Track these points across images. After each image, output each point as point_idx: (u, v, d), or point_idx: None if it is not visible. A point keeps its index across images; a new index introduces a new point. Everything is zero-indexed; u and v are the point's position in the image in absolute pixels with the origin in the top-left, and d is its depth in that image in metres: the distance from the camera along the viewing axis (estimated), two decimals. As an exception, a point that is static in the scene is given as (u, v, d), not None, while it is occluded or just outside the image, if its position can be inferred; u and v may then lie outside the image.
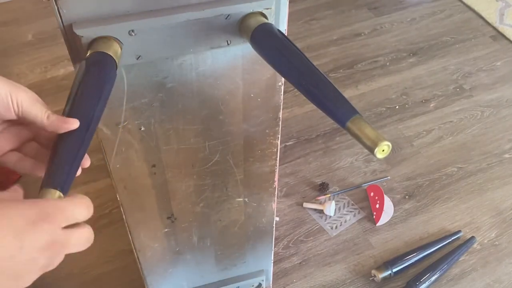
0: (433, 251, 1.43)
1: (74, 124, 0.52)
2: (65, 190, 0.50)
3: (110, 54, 0.59)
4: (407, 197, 1.58)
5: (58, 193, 0.49)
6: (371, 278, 1.39)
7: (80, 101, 0.55)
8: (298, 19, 2.23)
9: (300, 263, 1.43)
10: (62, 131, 0.52)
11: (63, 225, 0.44)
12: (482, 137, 1.75)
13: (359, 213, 1.54)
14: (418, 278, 1.35)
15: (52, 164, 0.51)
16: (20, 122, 0.55)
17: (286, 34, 0.65)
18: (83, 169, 0.55)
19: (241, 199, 0.97)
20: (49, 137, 0.55)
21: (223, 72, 0.74)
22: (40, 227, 0.41)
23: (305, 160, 1.68)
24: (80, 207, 0.45)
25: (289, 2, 0.68)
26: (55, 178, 0.50)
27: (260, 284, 1.23)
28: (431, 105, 1.86)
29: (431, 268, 1.37)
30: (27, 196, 0.45)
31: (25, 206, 0.41)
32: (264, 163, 0.91)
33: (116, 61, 0.60)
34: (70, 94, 0.56)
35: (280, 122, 0.85)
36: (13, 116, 0.52)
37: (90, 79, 0.56)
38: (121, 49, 0.62)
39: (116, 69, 0.60)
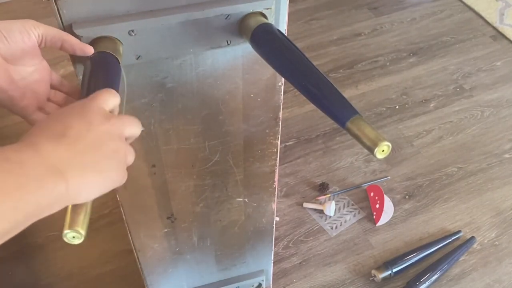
0: (433, 251, 1.43)
1: (91, 50, 0.58)
2: None
3: (112, 53, 0.59)
4: (407, 197, 1.58)
5: None
6: (371, 278, 1.39)
7: None
8: (298, 19, 2.23)
9: (300, 263, 1.43)
10: (80, 52, 0.57)
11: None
12: (482, 137, 1.75)
13: (359, 213, 1.54)
14: (418, 278, 1.35)
15: None
16: (40, 79, 0.58)
17: (286, 34, 0.65)
18: None
19: (241, 199, 0.97)
20: (66, 98, 0.62)
21: (223, 72, 0.74)
22: (103, 121, 0.46)
23: (305, 160, 1.68)
24: (131, 122, 0.51)
25: (289, 2, 0.68)
26: None
27: (260, 284, 1.23)
28: (431, 105, 1.86)
29: (431, 268, 1.37)
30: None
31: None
32: (264, 163, 0.91)
33: (119, 60, 0.60)
34: (80, 96, 0.56)
35: (280, 122, 0.85)
36: (34, 43, 0.54)
37: (99, 76, 0.57)
38: (121, 49, 0.62)
39: (120, 67, 0.60)
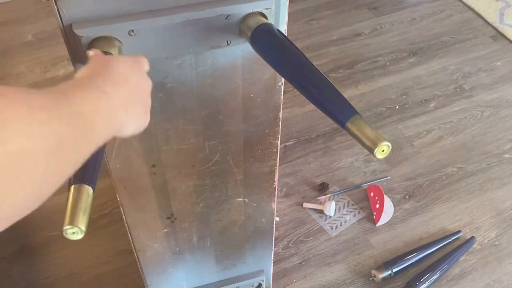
0: (433, 251, 1.42)
1: None
2: (94, 185, 0.54)
3: (112, 53, 0.59)
4: (407, 197, 1.58)
5: (87, 187, 0.51)
6: (371, 278, 1.39)
7: None
8: (298, 19, 2.23)
9: (300, 263, 1.43)
10: None
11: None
12: (482, 137, 1.75)
13: (359, 213, 1.54)
14: (418, 278, 1.35)
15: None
16: None
17: (286, 34, 0.65)
18: None
19: (241, 199, 0.97)
20: None
21: (223, 72, 0.74)
22: (138, 65, 0.55)
23: (305, 160, 1.68)
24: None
25: (289, 2, 0.68)
26: (85, 176, 0.53)
27: (260, 284, 1.23)
28: (431, 105, 1.86)
29: (431, 268, 1.37)
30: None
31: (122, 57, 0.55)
32: (264, 163, 0.91)
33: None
34: None
35: (280, 122, 0.85)
36: None
37: None
38: (121, 49, 0.62)
39: None
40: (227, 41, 0.67)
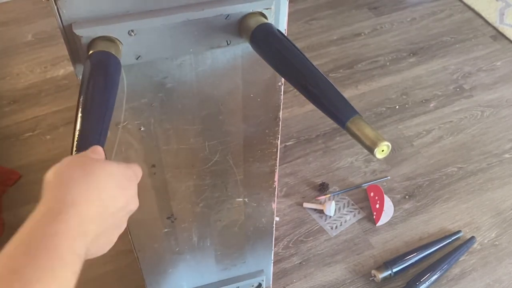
0: (433, 251, 1.42)
1: None
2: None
3: (112, 53, 0.59)
4: (407, 197, 1.58)
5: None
6: (371, 278, 1.39)
7: (92, 99, 0.55)
8: (298, 19, 2.23)
9: (300, 263, 1.43)
10: None
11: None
12: (482, 137, 1.75)
13: (359, 213, 1.54)
14: (418, 278, 1.35)
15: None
16: None
17: (286, 34, 0.65)
18: None
19: (241, 199, 0.97)
20: None
21: (223, 72, 0.74)
22: (133, 183, 0.56)
23: (305, 160, 1.68)
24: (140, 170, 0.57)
25: (289, 2, 0.68)
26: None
27: (260, 284, 1.23)
28: (431, 105, 1.86)
29: (431, 268, 1.37)
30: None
31: (123, 166, 0.53)
32: (264, 163, 0.91)
33: (119, 60, 0.60)
34: (80, 94, 0.56)
35: (280, 122, 0.85)
36: None
37: (99, 76, 0.57)
38: (121, 49, 0.62)
39: (120, 66, 0.60)
40: (227, 41, 0.67)
